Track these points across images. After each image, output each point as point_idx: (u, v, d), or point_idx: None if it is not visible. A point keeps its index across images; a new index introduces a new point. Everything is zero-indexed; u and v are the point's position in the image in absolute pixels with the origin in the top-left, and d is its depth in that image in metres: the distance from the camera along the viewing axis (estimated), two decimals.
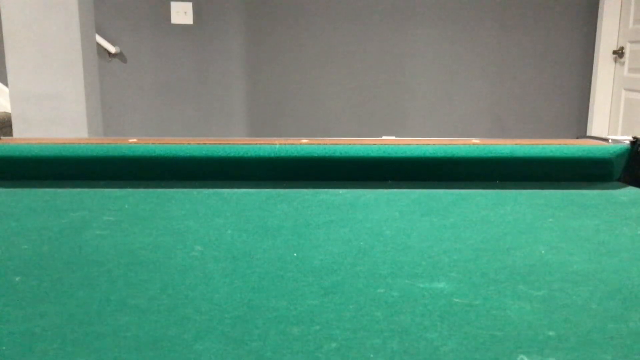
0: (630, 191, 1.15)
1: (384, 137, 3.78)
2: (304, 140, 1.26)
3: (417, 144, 1.21)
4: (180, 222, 0.92)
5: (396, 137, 4.07)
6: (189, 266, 0.74)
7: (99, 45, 3.67)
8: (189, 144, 1.18)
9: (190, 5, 3.79)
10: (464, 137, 3.91)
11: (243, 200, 1.05)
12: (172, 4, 3.78)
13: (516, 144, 1.21)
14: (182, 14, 3.79)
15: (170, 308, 0.62)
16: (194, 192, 1.09)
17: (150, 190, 1.11)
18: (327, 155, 1.21)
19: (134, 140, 1.23)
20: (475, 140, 1.24)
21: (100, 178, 1.19)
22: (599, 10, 3.76)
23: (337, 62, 3.87)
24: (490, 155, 1.17)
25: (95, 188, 1.13)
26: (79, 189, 1.12)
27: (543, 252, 0.80)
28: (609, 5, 3.69)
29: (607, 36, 3.73)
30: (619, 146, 1.22)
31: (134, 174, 1.18)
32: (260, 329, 0.58)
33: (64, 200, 1.05)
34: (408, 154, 1.20)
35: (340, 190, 1.14)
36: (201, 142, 1.20)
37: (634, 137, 1.24)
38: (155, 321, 0.59)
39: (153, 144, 1.19)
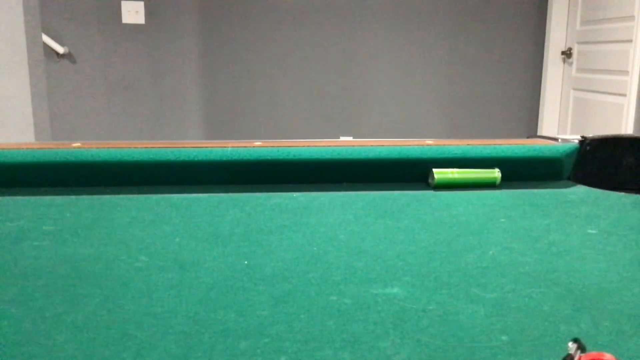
0: (579, 190, 1.17)
1: (341, 138, 3.78)
2: (257, 143, 1.23)
3: (371, 146, 1.20)
4: (124, 230, 0.88)
5: (354, 137, 4.05)
6: (132, 278, 0.70)
7: (46, 46, 3.54)
8: (135, 147, 1.14)
9: (141, 4, 3.69)
10: (420, 135, 3.95)
11: (193, 205, 1.02)
12: (123, 3, 3.67)
13: (468, 145, 1.21)
14: (133, 14, 3.70)
15: (110, 324, 0.58)
16: (141, 198, 1.05)
17: (94, 197, 1.06)
18: (280, 157, 1.18)
19: (78, 144, 1.17)
20: (429, 141, 1.23)
21: (42, 185, 1.13)
22: (548, 12, 3.86)
23: (294, 63, 3.84)
24: (443, 155, 1.17)
25: (35, 195, 1.07)
26: (18, 197, 1.06)
27: (495, 253, 0.80)
28: (557, 7, 3.80)
29: (556, 37, 3.84)
30: (568, 145, 1.24)
31: (78, 181, 1.12)
32: (205, 344, 0.55)
33: (1, 209, 0.99)
34: (362, 155, 1.19)
35: (295, 194, 1.11)
36: (148, 146, 1.15)
37: (582, 137, 1.26)
38: (92, 339, 0.55)
39: (97, 148, 1.13)
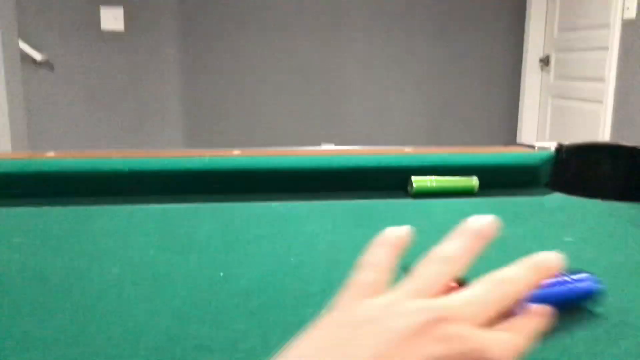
0: (555, 197, 1.18)
1: (323, 146, 3.76)
2: (236, 152, 1.22)
3: (350, 154, 1.20)
4: (97, 242, 0.86)
5: (335, 145, 4.04)
6: (104, 291, 0.68)
7: (23, 53, 3.49)
8: (110, 157, 1.12)
9: (121, 10, 3.66)
10: (402, 142, 3.97)
11: (168, 215, 1.00)
12: (102, 9, 3.64)
13: (447, 152, 1.21)
14: (112, 20, 3.67)
15: (79, 340, 0.57)
16: (115, 208, 1.03)
17: (68, 207, 1.04)
18: (259, 167, 1.18)
19: (51, 154, 1.15)
20: (408, 149, 1.24)
21: (14, 196, 1.11)
22: (526, 20, 3.92)
23: (275, 70, 3.84)
24: (421, 164, 1.17)
25: (7, 207, 1.05)
26: None
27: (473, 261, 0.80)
28: (534, 15, 3.85)
29: (534, 45, 3.89)
30: (544, 153, 1.25)
31: (51, 191, 1.10)
32: (178, 359, 0.54)
33: None
34: (341, 164, 1.19)
35: (273, 203, 1.11)
36: (124, 155, 1.14)
37: (559, 144, 1.27)
38: (61, 356, 0.54)
39: (72, 157, 1.11)
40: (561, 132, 3.66)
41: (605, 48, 3.13)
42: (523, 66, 3.97)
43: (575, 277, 0.62)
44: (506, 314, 0.41)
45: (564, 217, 1.03)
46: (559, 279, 0.61)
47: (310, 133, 3.91)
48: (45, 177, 1.10)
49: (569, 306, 0.62)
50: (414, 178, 1.15)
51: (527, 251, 0.85)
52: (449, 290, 0.40)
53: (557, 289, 0.61)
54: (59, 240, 0.87)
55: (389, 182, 1.20)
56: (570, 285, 0.61)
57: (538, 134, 3.97)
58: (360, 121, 3.94)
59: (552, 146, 1.28)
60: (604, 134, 3.11)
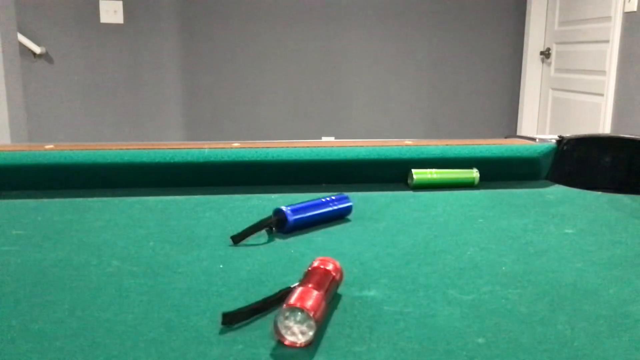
0: (557, 189, 1.17)
1: (323, 139, 3.78)
2: (235, 144, 1.22)
3: (350, 146, 1.19)
4: (97, 234, 0.86)
5: (335, 138, 4.03)
6: (103, 284, 0.68)
7: (22, 46, 3.48)
8: (109, 149, 1.11)
9: (120, 3, 3.64)
10: (402, 135, 3.96)
11: (169, 208, 1.00)
12: (102, 2, 3.62)
13: (447, 145, 1.21)
14: (111, 13, 3.65)
15: (78, 332, 0.57)
16: (115, 201, 1.03)
17: (68, 200, 1.03)
18: (258, 159, 1.17)
19: (51, 146, 1.15)
20: (408, 142, 1.23)
21: (14, 188, 1.10)
22: (526, 13, 3.90)
23: (275, 63, 3.82)
24: (422, 156, 1.17)
25: (6, 199, 1.04)
26: None
27: (473, 254, 0.80)
28: (535, 8, 3.83)
29: (534, 38, 3.87)
30: (545, 145, 1.24)
31: (51, 183, 1.10)
32: (177, 351, 0.53)
33: None
34: (341, 156, 1.18)
35: (273, 195, 1.10)
36: (123, 147, 1.13)
37: (560, 136, 1.27)
38: (60, 348, 0.54)
39: (71, 150, 1.11)
40: (562, 124, 3.65)
41: (607, 41, 3.11)
42: (524, 59, 3.95)
43: (340, 203, 0.94)
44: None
45: (565, 209, 1.03)
46: (329, 200, 0.93)
47: (310, 126, 3.90)
48: (44, 170, 1.10)
49: (336, 218, 0.94)
50: (414, 170, 1.15)
51: (528, 243, 0.85)
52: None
53: (328, 207, 0.92)
54: (58, 233, 0.86)
55: (389, 174, 1.19)
56: (335, 205, 0.93)
57: (538, 127, 3.96)
58: (360, 114, 3.93)
59: (552, 139, 1.28)
60: (604, 127, 3.11)
